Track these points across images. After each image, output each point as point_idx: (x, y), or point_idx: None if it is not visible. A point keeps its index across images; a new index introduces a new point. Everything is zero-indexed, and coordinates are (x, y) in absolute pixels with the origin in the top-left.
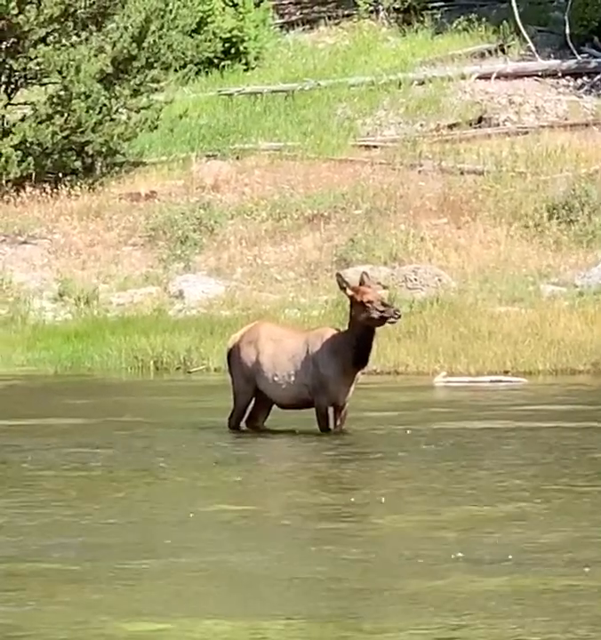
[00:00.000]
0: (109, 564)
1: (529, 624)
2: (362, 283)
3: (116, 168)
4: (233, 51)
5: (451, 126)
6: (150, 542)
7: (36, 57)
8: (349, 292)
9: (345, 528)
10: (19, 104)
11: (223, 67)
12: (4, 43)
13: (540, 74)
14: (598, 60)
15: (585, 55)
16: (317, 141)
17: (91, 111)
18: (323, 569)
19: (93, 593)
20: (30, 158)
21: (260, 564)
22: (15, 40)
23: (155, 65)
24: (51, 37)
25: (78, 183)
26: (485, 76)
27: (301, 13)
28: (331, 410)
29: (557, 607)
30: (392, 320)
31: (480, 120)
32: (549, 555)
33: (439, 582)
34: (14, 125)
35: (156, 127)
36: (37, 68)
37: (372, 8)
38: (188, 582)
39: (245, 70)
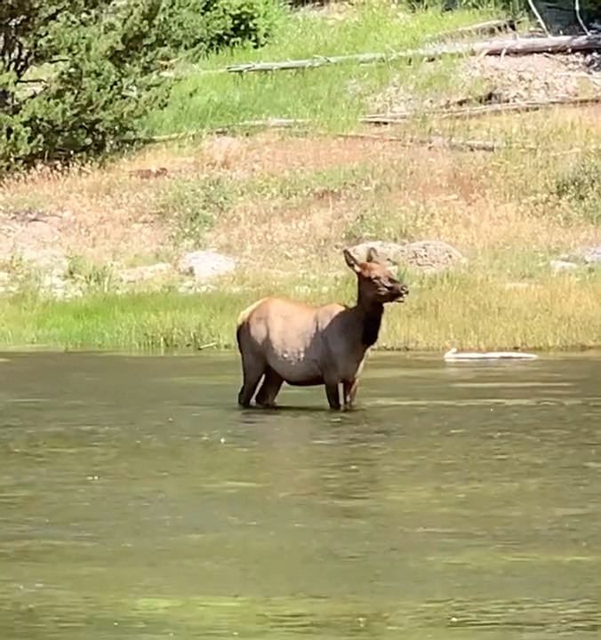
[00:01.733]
0: (119, 541)
1: (540, 600)
2: (370, 259)
3: (127, 145)
4: (243, 27)
5: (461, 103)
6: (159, 520)
7: (47, 34)
8: (357, 268)
9: (355, 505)
10: (29, 81)
11: (233, 44)
12: (14, 20)
13: (549, 50)
14: None
15: (595, 31)
16: (327, 118)
17: (101, 89)
18: (333, 546)
19: (105, 570)
20: (40, 135)
21: (270, 541)
22: (25, 17)
23: (165, 42)
24: (61, 15)
25: (88, 160)
26: (495, 53)
27: None
28: (340, 386)
29: (567, 584)
30: (400, 296)
31: (490, 96)
32: (560, 530)
33: (452, 559)
34: (24, 102)
35: (166, 105)
36: (47, 45)
37: None
38: (197, 559)
39: (255, 47)
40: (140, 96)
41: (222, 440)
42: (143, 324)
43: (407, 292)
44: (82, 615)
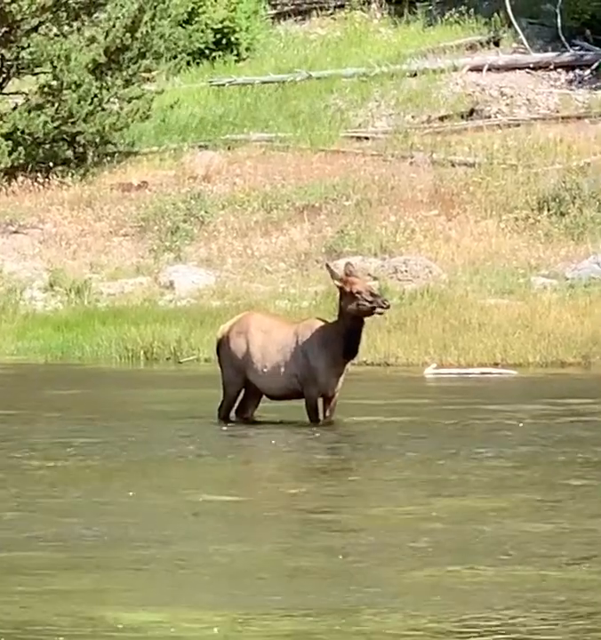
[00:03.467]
0: (104, 554)
1: (522, 616)
2: (348, 273)
3: (108, 158)
4: (224, 41)
5: (442, 118)
6: (141, 533)
7: (29, 46)
8: (338, 282)
9: (335, 519)
10: (10, 93)
11: (214, 57)
12: None
13: (531, 66)
14: (590, 52)
15: (577, 48)
16: (309, 133)
17: (82, 101)
18: (314, 560)
19: (90, 583)
20: (21, 148)
21: (251, 555)
22: (7, 29)
23: (146, 55)
24: (43, 27)
25: (69, 173)
26: (477, 69)
27: (293, 4)
28: (320, 401)
29: (551, 600)
30: (380, 310)
31: (472, 112)
32: (542, 547)
33: (433, 573)
34: (5, 115)
35: (147, 117)
36: (29, 57)
37: None
38: (180, 573)
39: (237, 61)
40: (121, 108)
41: (203, 454)
42: (123, 337)
43: (388, 307)
44: (64, 629)
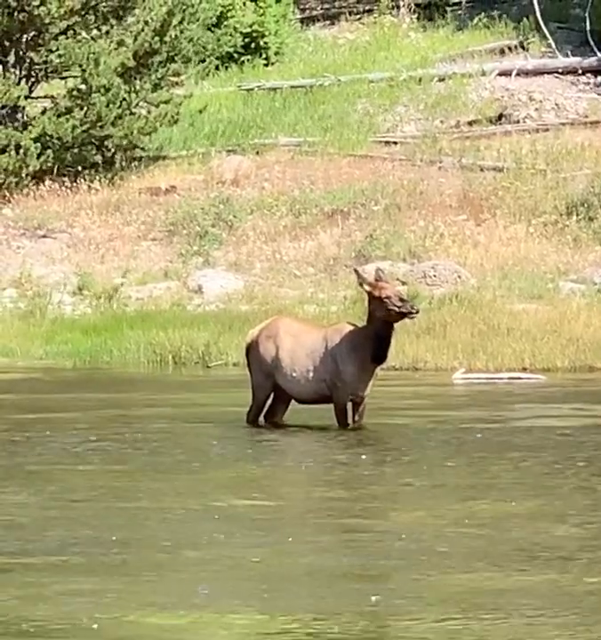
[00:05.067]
0: (126, 557)
1: (548, 622)
2: (378, 279)
3: (136, 162)
4: (253, 45)
5: (471, 123)
6: (168, 536)
7: (57, 50)
8: (367, 287)
9: (364, 524)
10: (39, 97)
11: (243, 62)
12: (25, 35)
13: (560, 71)
14: None
15: None
16: (337, 137)
17: (111, 105)
18: (342, 564)
19: (110, 585)
20: (50, 151)
21: (278, 559)
22: (36, 33)
23: (175, 59)
24: (71, 30)
25: (98, 177)
26: (506, 73)
27: (322, 8)
28: (349, 405)
29: (576, 605)
30: (410, 316)
31: (500, 117)
32: (566, 552)
33: (459, 578)
34: (34, 118)
35: (176, 121)
36: (58, 60)
37: (393, 4)
38: (206, 576)
39: (265, 65)
40: (149, 112)
41: (233, 458)
42: (152, 342)
43: (417, 312)
44: (82, 631)
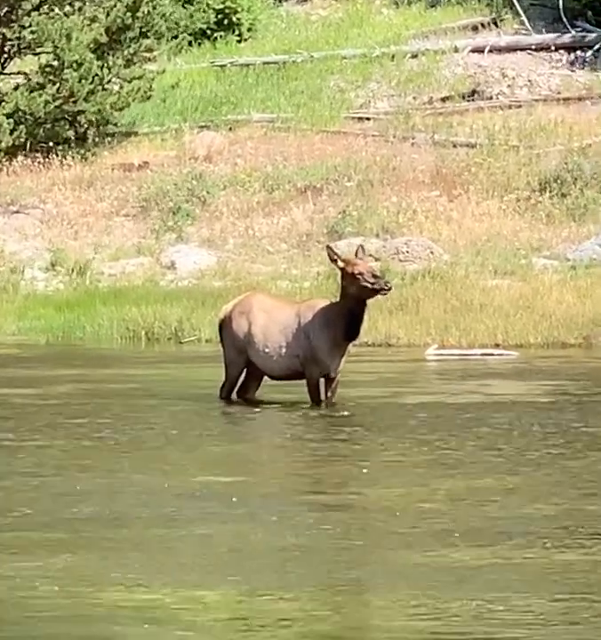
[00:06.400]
0: (99, 534)
1: (517, 598)
2: (359, 257)
3: (109, 138)
4: (226, 22)
5: (443, 99)
6: (141, 513)
7: (30, 26)
8: (340, 263)
9: (334, 500)
10: (12, 73)
11: (216, 38)
12: None
13: (533, 48)
14: (592, 34)
15: (578, 29)
16: (310, 113)
17: (83, 81)
18: (312, 540)
19: (85, 563)
20: (22, 127)
21: (250, 535)
22: (9, 9)
23: (148, 35)
24: (44, 6)
25: (70, 153)
26: (478, 50)
27: None
28: (322, 381)
29: (548, 580)
30: (383, 292)
31: (473, 93)
32: (538, 527)
33: (429, 555)
34: (7, 94)
35: (148, 97)
36: (31, 36)
37: None
38: (179, 553)
39: (238, 41)
40: (122, 88)
41: (205, 434)
42: (125, 318)
43: (390, 288)
44: (59, 607)
